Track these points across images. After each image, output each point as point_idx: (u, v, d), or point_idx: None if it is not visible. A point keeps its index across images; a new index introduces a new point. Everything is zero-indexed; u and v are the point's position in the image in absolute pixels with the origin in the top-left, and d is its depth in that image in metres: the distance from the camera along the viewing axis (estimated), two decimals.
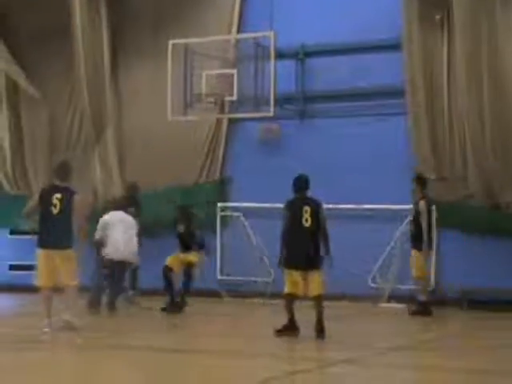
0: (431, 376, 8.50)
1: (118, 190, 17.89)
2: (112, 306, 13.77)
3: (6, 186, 18.97)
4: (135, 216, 14.55)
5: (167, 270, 14.03)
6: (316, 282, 10.70)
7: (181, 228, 14.39)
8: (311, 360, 9.32)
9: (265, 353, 10.02)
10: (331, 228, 15.66)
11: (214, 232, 17.00)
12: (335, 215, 15.94)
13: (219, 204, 17.20)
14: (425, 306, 14.13)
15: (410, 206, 15.56)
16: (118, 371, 8.47)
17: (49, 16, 18.25)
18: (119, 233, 13.76)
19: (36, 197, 11.37)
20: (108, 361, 9.03)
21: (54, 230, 10.98)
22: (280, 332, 10.85)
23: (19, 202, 17.63)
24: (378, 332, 12.57)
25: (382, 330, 12.91)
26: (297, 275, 10.67)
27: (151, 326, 12.64)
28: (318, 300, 10.77)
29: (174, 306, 13.92)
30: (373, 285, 15.90)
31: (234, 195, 17.31)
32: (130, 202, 14.90)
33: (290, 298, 10.79)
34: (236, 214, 17.01)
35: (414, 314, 14.02)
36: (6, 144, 18.93)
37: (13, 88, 19.00)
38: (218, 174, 17.44)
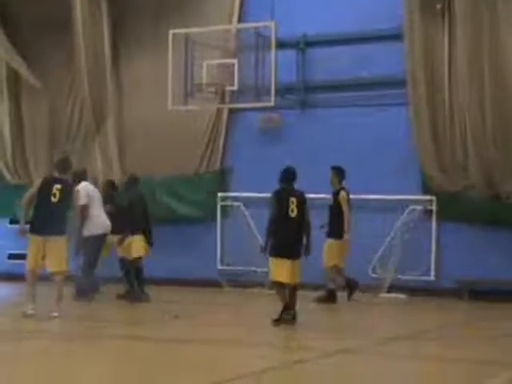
0: (431, 366, 8.50)
1: (117, 180, 17.86)
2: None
3: (7, 176, 18.96)
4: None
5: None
6: (297, 271, 11.13)
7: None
8: (310, 350, 9.32)
9: (263, 342, 10.03)
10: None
11: (215, 222, 17.01)
12: None
13: (219, 194, 17.19)
14: (332, 294, 14.11)
15: (412, 197, 15.62)
16: (116, 361, 8.47)
17: (50, 6, 18.21)
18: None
19: (35, 186, 11.48)
20: (111, 351, 9.02)
21: (51, 218, 11.31)
22: (277, 321, 11.02)
23: (20, 191, 17.55)
24: (378, 322, 12.57)
25: (382, 320, 12.92)
26: (284, 263, 10.98)
27: (151, 316, 12.63)
28: (296, 287, 11.21)
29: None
30: (373, 275, 15.90)
31: (234, 185, 17.30)
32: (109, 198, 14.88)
33: (281, 286, 11.10)
34: (236, 203, 17.00)
35: (318, 301, 13.92)
36: (7, 133, 18.92)
37: (13, 78, 18.97)
38: (218, 163, 17.42)
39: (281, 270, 10.99)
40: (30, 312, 11.21)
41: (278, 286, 11.13)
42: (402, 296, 15.44)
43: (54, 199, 11.31)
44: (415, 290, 15.49)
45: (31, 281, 11.46)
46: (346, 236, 14.02)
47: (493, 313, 13.82)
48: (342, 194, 14.17)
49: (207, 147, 17.39)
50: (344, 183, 14.39)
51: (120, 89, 18.28)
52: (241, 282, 16.24)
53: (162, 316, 12.08)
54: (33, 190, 11.56)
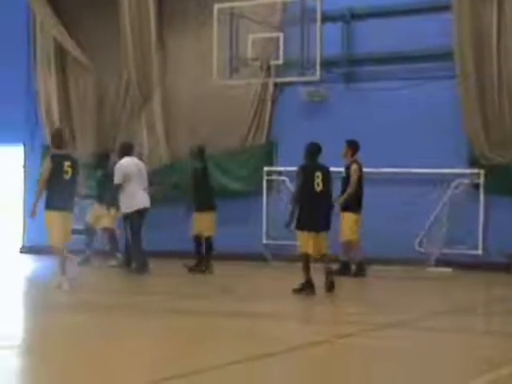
0: (475, 340, 8.46)
1: (164, 155, 18.00)
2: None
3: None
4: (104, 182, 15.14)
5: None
6: (324, 243, 11.43)
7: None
8: (357, 323, 9.33)
9: (310, 316, 10.09)
10: (379, 192, 15.77)
11: (260, 196, 17.06)
12: (381, 179, 15.93)
13: (265, 168, 17.20)
14: (346, 266, 13.97)
15: (459, 170, 15.51)
16: (183, 336, 8.57)
17: None
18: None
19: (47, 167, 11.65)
20: (178, 325, 9.11)
21: (67, 194, 11.69)
22: (297, 291, 11.34)
23: None
24: (424, 296, 12.52)
25: (428, 295, 12.87)
26: (310, 236, 11.28)
27: (201, 289, 12.73)
28: (327, 258, 11.50)
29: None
30: (420, 249, 15.83)
31: (280, 159, 17.30)
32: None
33: (307, 258, 11.37)
34: (282, 178, 17.02)
35: (339, 274, 13.43)
36: (55, 107, 19.11)
37: (61, 52, 19.15)
38: (264, 138, 17.42)
39: (307, 242, 11.30)
40: (65, 286, 11.47)
41: (305, 258, 11.40)
42: (448, 270, 15.37)
43: (66, 177, 11.61)
44: (462, 265, 15.41)
45: (63, 257, 11.79)
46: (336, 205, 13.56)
47: None
48: (354, 166, 14.02)
49: (253, 122, 17.39)
50: (357, 156, 14.19)
51: (165, 64, 18.35)
52: (286, 256, 16.28)
53: (212, 290, 12.18)
54: (45, 172, 11.70)
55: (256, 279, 14.70)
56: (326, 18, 15.98)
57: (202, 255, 14.29)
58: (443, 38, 15.67)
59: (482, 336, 8.79)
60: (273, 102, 17.40)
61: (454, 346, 8.04)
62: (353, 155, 14.16)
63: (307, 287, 11.36)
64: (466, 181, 15.67)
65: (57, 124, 19.04)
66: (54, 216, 11.58)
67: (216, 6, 16.43)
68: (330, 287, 11.31)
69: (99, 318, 9.34)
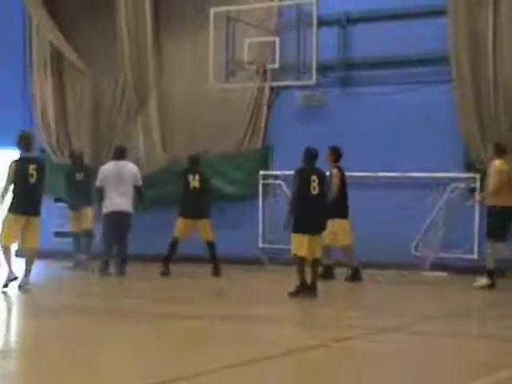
0: (469, 344, 8.47)
1: (160, 158, 17.99)
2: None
3: (51, 154, 19.15)
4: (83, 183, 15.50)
5: None
6: (318, 246, 11.64)
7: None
8: (353, 327, 9.33)
9: (306, 320, 10.09)
10: (375, 196, 15.81)
11: (256, 200, 17.07)
12: (377, 184, 15.96)
13: (261, 172, 17.21)
14: (328, 270, 14.00)
15: (455, 174, 15.53)
16: (177, 341, 8.56)
17: None
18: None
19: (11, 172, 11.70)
20: (174, 329, 9.09)
21: (32, 198, 11.72)
22: (293, 294, 11.45)
23: (63, 169, 17.79)
24: (419, 300, 12.54)
25: (424, 299, 12.88)
26: (305, 239, 11.45)
27: (194, 293, 12.73)
28: (318, 262, 11.77)
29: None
30: (416, 253, 15.84)
31: (275, 163, 17.30)
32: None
33: (302, 261, 11.54)
34: (278, 182, 17.02)
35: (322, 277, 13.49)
36: (50, 111, 19.09)
37: (57, 56, 19.13)
38: (260, 142, 17.42)
39: (301, 245, 11.45)
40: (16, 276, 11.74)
41: (298, 260, 11.54)
42: (444, 274, 15.38)
43: (31, 180, 11.67)
44: (458, 269, 15.41)
45: (11, 255, 11.98)
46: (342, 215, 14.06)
47: None
48: (334, 171, 14.08)
49: (249, 126, 17.39)
50: (340, 163, 14.26)
51: (162, 68, 18.35)
52: (282, 260, 16.26)
53: (205, 294, 12.18)
54: (9, 176, 11.74)
55: (252, 283, 14.70)
56: (322, 23, 15.99)
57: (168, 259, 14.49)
58: (439, 42, 15.70)
59: (477, 340, 8.81)
60: (269, 106, 17.40)
61: (450, 350, 8.04)
62: (335, 161, 14.26)
63: (303, 290, 11.45)
64: (462, 185, 15.69)
65: (52, 128, 19.04)
66: (12, 219, 11.66)
67: (212, 10, 16.43)
68: (314, 291, 11.49)
69: (89, 321, 9.32)
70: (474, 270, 15.31)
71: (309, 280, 11.56)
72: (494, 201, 13.33)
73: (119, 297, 12.11)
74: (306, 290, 11.48)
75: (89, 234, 15.73)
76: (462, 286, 14.26)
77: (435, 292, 13.72)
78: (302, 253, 11.47)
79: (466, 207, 15.57)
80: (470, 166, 15.72)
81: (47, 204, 18.44)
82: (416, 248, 15.86)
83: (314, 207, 11.52)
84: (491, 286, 13.11)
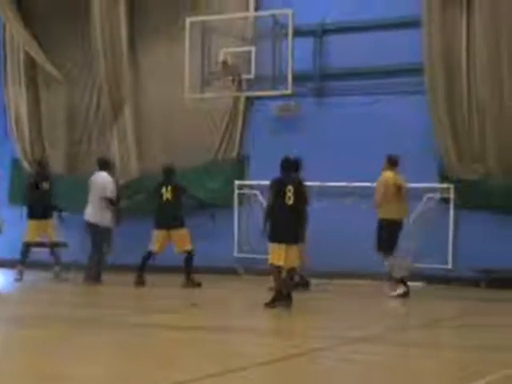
0: (445, 354, 8.50)
1: (134, 168, 17.93)
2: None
3: (24, 164, 19.02)
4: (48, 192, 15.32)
5: None
6: (294, 255, 11.61)
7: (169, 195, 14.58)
8: (329, 338, 9.32)
9: (280, 330, 10.08)
10: (348, 206, 15.84)
11: (232, 209, 17.05)
12: (352, 193, 15.99)
13: (236, 182, 17.19)
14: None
15: (429, 185, 15.60)
16: (128, 349, 8.51)
17: None
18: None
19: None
20: (151, 339, 9.05)
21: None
22: (269, 304, 11.47)
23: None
24: (393, 310, 12.56)
25: (398, 309, 12.91)
26: (281, 248, 11.48)
27: (169, 304, 12.68)
28: (293, 271, 11.78)
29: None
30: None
31: (251, 173, 17.30)
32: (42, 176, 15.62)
33: (278, 270, 11.58)
34: (253, 191, 17.01)
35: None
36: (25, 121, 18.98)
37: (31, 65, 19.03)
38: (235, 152, 17.42)
39: (277, 254, 11.49)
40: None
41: (275, 270, 11.60)
42: (418, 284, 15.42)
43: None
44: (432, 279, 15.48)
45: None
46: None
47: (510, 301, 13.78)
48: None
49: (224, 135, 17.39)
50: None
51: (137, 77, 18.31)
52: (257, 270, 16.25)
53: (181, 304, 12.14)
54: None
55: (228, 292, 14.65)
56: (298, 33, 16.02)
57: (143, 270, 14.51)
58: (414, 53, 15.79)
59: (455, 350, 8.82)
60: (244, 116, 17.42)
61: (428, 359, 8.06)
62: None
63: (279, 299, 11.41)
64: (437, 195, 15.77)
65: (27, 137, 18.89)
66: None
67: (188, 20, 16.42)
68: (289, 301, 11.50)
69: (65, 331, 9.25)
70: (448, 280, 15.42)
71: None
72: (382, 213, 13.27)
73: (91, 306, 12.01)
74: (281, 299, 11.46)
75: (57, 245, 15.55)
76: (436, 296, 14.31)
77: (410, 302, 13.74)
78: (277, 261, 11.49)
79: (441, 217, 15.65)
80: (444, 177, 15.80)
81: (20, 213, 18.52)
82: None
83: (289, 217, 11.56)
84: (406, 293, 12.92)
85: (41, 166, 16.06)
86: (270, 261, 11.62)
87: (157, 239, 14.52)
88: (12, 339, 8.79)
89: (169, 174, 14.83)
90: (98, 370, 7.09)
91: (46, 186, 15.43)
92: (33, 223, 15.36)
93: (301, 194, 11.71)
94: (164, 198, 14.55)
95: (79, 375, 6.81)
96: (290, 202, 11.59)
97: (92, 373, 6.91)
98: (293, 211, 11.61)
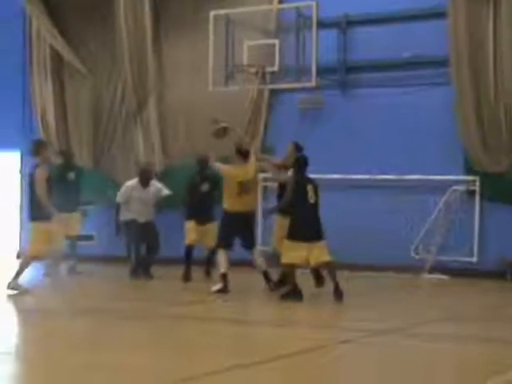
0: (469, 348, 8.44)
1: (159, 161, 17.96)
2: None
3: (51, 157, 19.07)
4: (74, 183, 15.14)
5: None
6: (322, 250, 11.60)
7: (205, 187, 14.32)
8: (352, 330, 9.31)
9: (304, 322, 10.09)
10: (374, 199, 15.80)
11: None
12: (378, 186, 15.94)
13: (261, 175, 17.14)
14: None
15: (455, 177, 15.52)
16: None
17: None
18: None
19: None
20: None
21: (30, 204, 12.03)
22: (285, 297, 11.51)
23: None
24: (418, 303, 12.51)
25: (423, 301, 12.86)
26: (302, 247, 11.46)
27: (196, 296, 12.71)
28: (331, 265, 11.73)
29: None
30: (415, 256, 15.82)
31: None
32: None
33: (293, 267, 11.62)
34: (277, 184, 16.93)
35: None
36: (51, 115, 19.09)
37: (57, 59, 19.13)
38: (259, 144, 17.40)
39: (297, 252, 11.42)
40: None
41: (290, 267, 11.61)
42: (443, 277, 15.36)
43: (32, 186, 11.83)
44: (457, 272, 15.40)
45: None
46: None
47: None
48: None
49: (248, 128, 17.36)
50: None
51: (161, 70, 18.35)
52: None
53: (207, 296, 12.18)
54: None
55: (248, 285, 14.65)
56: (322, 25, 15.97)
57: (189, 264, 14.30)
58: (439, 44, 15.69)
59: (480, 343, 8.76)
60: (268, 109, 17.40)
61: (453, 352, 8.02)
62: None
63: (294, 293, 11.49)
64: (462, 188, 15.68)
65: (52, 130, 18.99)
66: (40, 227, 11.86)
67: (212, 13, 16.42)
68: (340, 295, 11.47)
69: (94, 323, 9.31)
70: (473, 272, 15.33)
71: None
72: (226, 206, 12.65)
73: (123, 299, 12.06)
74: (298, 293, 11.51)
75: (76, 239, 15.26)
76: (461, 289, 14.25)
77: (435, 295, 13.70)
78: (296, 260, 11.48)
79: (466, 210, 15.57)
80: (469, 169, 15.71)
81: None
82: (415, 251, 15.83)
83: (313, 215, 11.66)
84: (224, 289, 12.24)
85: (66, 156, 15.82)
86: (288, 260, 11.52)
87: (189, 232, 14.42)
88: (55, 331, 8.87)
89: (203, 165, 14.53)
90: (137, 360, 7.13)
91: (71, 176, 15.23)
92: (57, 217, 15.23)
93: (317, 192, 11.80)
94: (199, 189, 14.42)
95: (122, 364, 6.89)
96: (312, 200, 11.66)
97: (132, 363, 6.95)
98: (315, 209, 11.70)
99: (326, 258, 11.60)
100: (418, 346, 8.33)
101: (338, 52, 16.69)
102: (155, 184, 14.88)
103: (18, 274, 11.84)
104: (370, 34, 16.47)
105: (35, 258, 12.00)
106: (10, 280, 11.84)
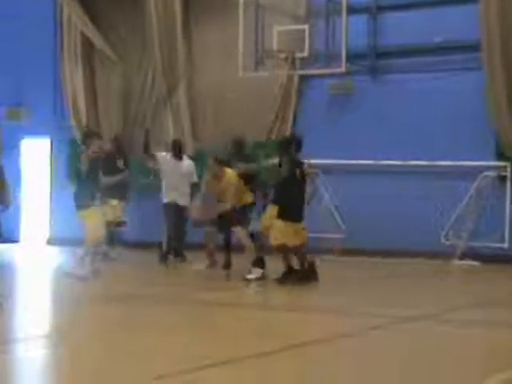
0: (499, 333, 8.41)
1: (189, 145, 17.99)
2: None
3: (101, 145, 19.11)
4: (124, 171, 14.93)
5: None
6: (303, 232, 11.69)
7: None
8: (383, 316, 9.30)
9: (332, 308, 10.10)
10: (405, 185, 15.74)
11: None
12: (409, 172, 15.88)
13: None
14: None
15: (486, 163, 15.42)
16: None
17: None
18: None
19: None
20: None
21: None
22: (282, 280, 11.52)
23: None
24: (449, 289, 12.47)
25: (454, 287, 12.82)
26: (291, 226, 11.49)
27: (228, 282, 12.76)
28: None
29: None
30: (446, 242, 15.76)
31: (304, 151, 17.19)
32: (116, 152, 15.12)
33: (286, 248, 11.57)
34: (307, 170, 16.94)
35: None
36: (82, 100, 19.19)
37: (88, 45, 19.23)
38: (289, 130, 17.38)
39: (288, 232, 11.43)
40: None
41: (284, 249, 11.57)
42: (474, 263, 15.29)
43: None
44: (488, 258, 15.32)
45: None
46: None
47: None
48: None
49: (278, 114, 17.36)
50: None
51: (191, 55, 18.38)
52: (311, 249, 16.24)
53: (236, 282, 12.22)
54: None
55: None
56: (352, 10, 15.91)
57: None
58: (470, 29, 15.56)
59: (503, 329, 8.71)
60: (298, 94, 17.37)
61: (484, 339, 8.00)
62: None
63: (290, 275, 11.60)
64: (493, 173, 15.57)
65: (83, 115, 19.08)
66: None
67: None
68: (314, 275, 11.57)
69: (135, 308, 9.40)
70: (504, 258, 15.25)
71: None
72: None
73: (154, 284, 12.15)
74: (294, 274, 11.61)
75: (116, 225, 15.04)
76: (492, 275, 14.18)
77: (466, 281, 13.65)
78: (285, 240, 11.43)
79: (497, 196, 15.47)
80: (500, 155, 15.60)
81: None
82: (446, 237, 15.77)
83: (301, 196, 11.74)
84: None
85: (116, 142, 15.51)
86: (281, 241, 11.44)
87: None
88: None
89: (239, 147, 13.94)
90: (167, 346, 7.19)
91: (120, 163, 15.02)
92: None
93: (305, 173, 11.85)
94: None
95: (158, 347, 6.98)
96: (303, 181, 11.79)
97: (162, 349, 7.02)
98: (303, 191, 11.79)
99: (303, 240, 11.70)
100: (450, 332, 8.31)
101: (368, 37, 16.61)
102: (188, 160, 14.81)
103: (85, 260, 11.81)
104: (401, 19, 16.37)
105: (95, 242, 11.94)
106: (69, 268, 11.87)
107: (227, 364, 6.44)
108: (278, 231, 11.46)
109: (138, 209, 17.20)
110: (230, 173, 12.76)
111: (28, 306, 9.68)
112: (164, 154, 14.50)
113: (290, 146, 11.84)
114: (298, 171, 11.66)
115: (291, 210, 11.53)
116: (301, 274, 11.62)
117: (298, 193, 11.65)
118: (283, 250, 11.60)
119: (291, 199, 11.55)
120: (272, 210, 11.77)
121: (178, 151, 14.39)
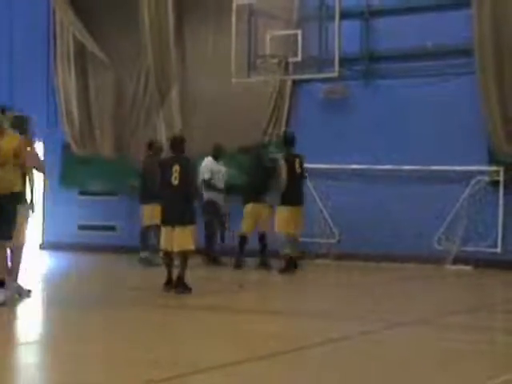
0: (493, 339, 8.42)
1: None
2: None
3: (74, 147, 19.21)
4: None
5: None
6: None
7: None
8: (377, 321, 9.30)
9: (322, 313, 10.11)
10: (397, 189, 15.76)
11: None
12: (401, 176, 15.90)
13: None
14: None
15: (478, 167, 15.44)
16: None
17: None
18: None
19: None
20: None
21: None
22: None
23: (86, 162, 17.92)
24: (439, 294, 12.48)
25: (446, 292, 12.83)
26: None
27: (218, 286, 12.74)
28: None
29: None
30: (438, 246, 15.76)
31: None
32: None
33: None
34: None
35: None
36: (74, 105, 19.17)
37: (80, 50, 19.21)
38: (281, 135, 17.37)
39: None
40: None
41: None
42: (467, 268, 15.30)
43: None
44: (481, 263, 15.33)
45: None
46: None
47: None
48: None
49: (271, 119, 17.37)
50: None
51: (184, 61, 18.37)
52: (305, 253, 16.26)
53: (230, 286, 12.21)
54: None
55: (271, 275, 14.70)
56: (345, 15, 15.91)
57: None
58: (463, 34, 15.58)
59: (504, 334, 8.73)
60: (291, 99, 17.37)
61: (477, 343, 8.00)
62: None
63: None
64: (486, 178, 15.59)
65: (76, 120, 19.09)
66: None
67: (234, 3, 16.42)
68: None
69: (140, 311, 9.39)
70: (497, 263, 15.26)
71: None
72: None
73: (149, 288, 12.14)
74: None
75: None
76: (485, 280, 14.19)
77: (459, 286, 13.66)
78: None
79: (490, 200, 15.49)
80: (493, 159, 15.61)
81: (71, 197, 18.75)
82: (439, 242, 15.78)
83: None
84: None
85: (153, 149, 15.53)
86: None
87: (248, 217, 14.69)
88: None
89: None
90: (165, 353, 7.19)
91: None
92: (148, 207, 14.77)
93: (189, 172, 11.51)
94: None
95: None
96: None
97: (159, 356, 7.01)
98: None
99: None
100: (440, 337, 8.31)
101: (360, 42, 16.63)
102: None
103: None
104: (393, 24, 16.39)
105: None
106: None
107: (216, 369, 6.44)
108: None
109: None
110: None
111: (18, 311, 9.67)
112: (206, 160, 15.46)
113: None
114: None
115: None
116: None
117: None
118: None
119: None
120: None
121: (220, 153, 15.59)
